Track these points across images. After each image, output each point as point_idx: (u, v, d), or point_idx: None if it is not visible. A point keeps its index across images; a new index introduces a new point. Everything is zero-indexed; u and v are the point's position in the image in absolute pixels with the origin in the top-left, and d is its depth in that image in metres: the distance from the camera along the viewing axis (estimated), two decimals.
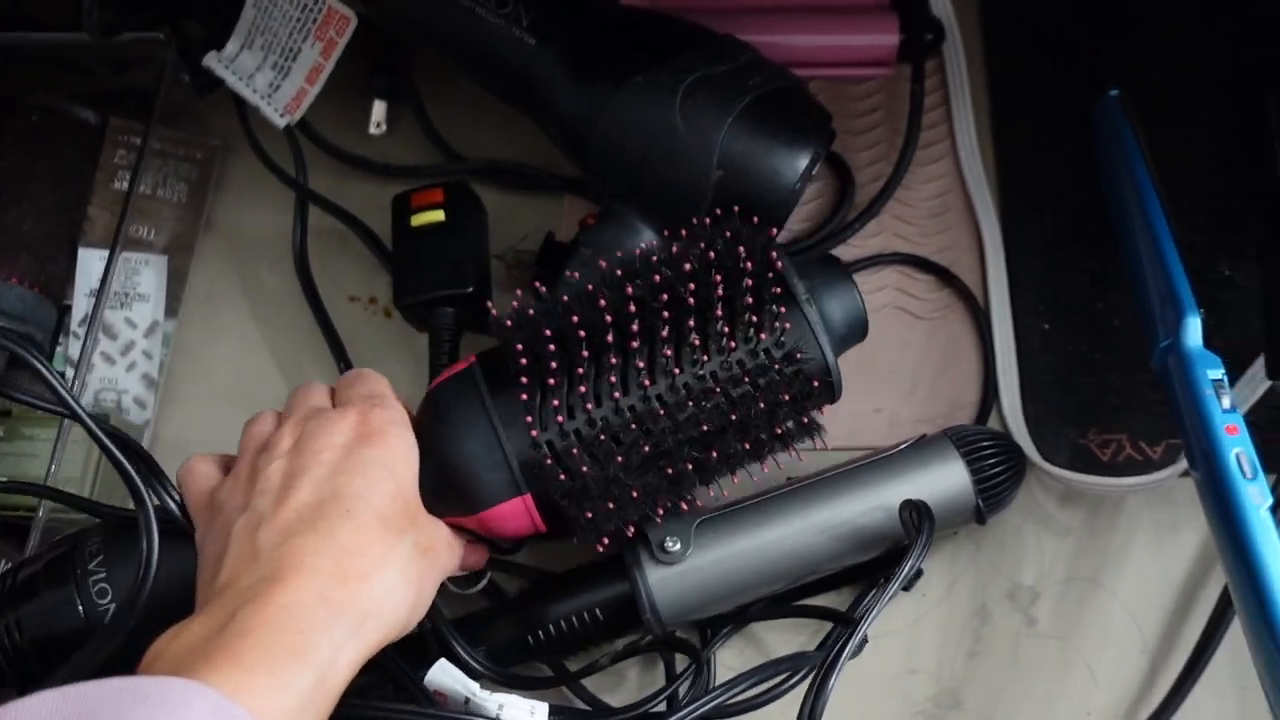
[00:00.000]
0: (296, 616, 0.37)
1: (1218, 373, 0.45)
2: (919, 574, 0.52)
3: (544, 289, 0.47)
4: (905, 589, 0.52)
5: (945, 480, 0.49)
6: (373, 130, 0.63)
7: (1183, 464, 0.51)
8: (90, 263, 0.61)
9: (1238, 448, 0.42)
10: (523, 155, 0.63)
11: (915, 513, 0.46)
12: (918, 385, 0.57)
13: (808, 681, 0.43)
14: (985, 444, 0.50)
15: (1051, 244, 0.58)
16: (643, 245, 0.51)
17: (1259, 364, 0.51)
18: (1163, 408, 0.54)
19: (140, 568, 0.42)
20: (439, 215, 0.55)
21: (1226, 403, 0.44)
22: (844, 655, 0.41)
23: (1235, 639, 0.49)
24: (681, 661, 0.51)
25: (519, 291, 0.48)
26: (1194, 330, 0.46)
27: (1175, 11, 0.61)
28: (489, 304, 0.47)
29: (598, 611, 0.49)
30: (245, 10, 0.59)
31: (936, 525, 0.50)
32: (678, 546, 0.49)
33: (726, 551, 0.49)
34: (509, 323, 0.46)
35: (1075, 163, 0.59)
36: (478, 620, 0.50)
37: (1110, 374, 0.55)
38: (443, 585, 0.52)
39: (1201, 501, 0.45)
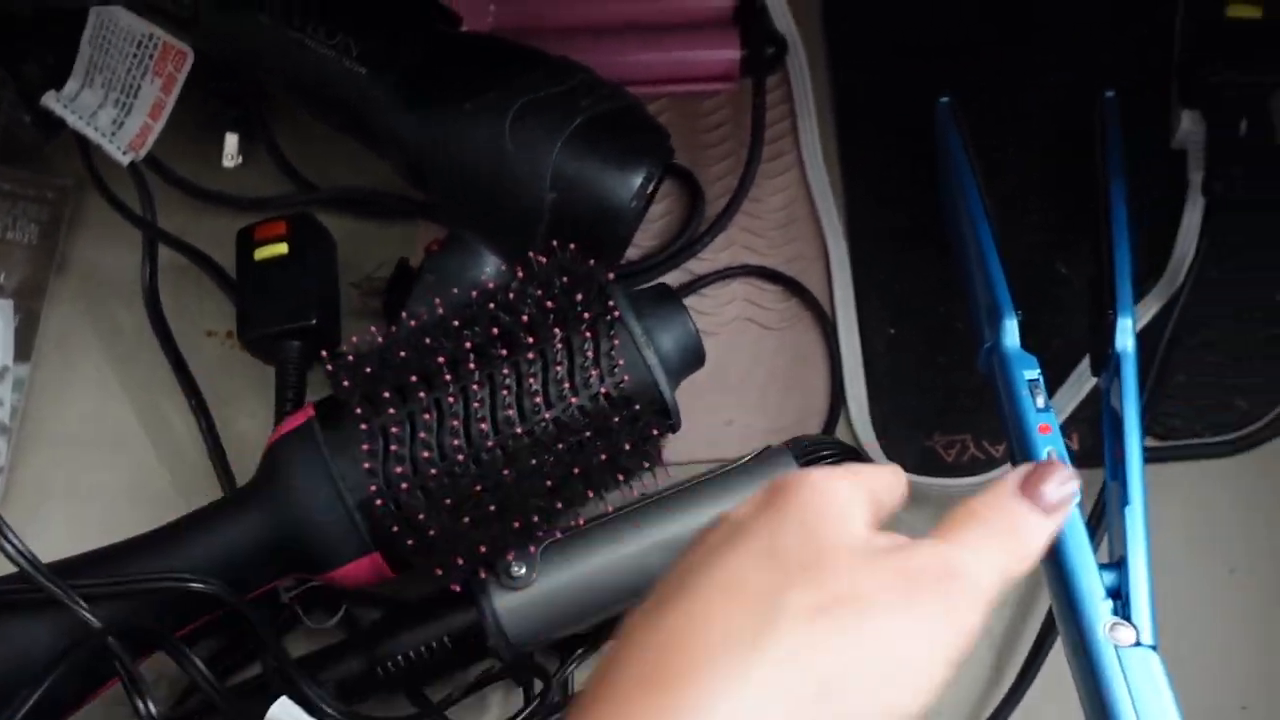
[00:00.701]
0: None
1: (1034, 373, 0.46)
2: None
3: (380, 336, 0.47)
4: None
5: None
6: (226, 163, 0.63)
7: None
8: None
9: (1050, 445, 0.43)
10: (378, 182, 0.62)
11: None
12: (768, 395, 0.57)
13: None
14: (825, 454, 0.51)
15: (896, 250, 0.59)
16: (485, 277, 0.51)
17: (1085, 362, 0.52)
18: None
19: None
20: (282, 248, 0.55)
21: (1041, 402, 0.45)
22: None
23: None
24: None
25: (353, 339, 0.48)
26: (1011, 331, 0.47)
27: (1015, 21, 0.63)
28: (324, 353, 0.47)
29: (446, 640, 0.49)
30: (82, 48, 0.58)
31: None
32: (524, 571, 0.49)
33: (574, 573, 0.50)
34: (345, 380, 0.46)
35: (919, 170, 0.60)
36: (328, 654, 0.50)
37: (954, 375, 0.57)
38: (296, 619, 0.53)
39: None
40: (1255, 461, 0.54)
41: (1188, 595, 0.53)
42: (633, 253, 0.59)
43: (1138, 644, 0.39)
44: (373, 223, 0.63)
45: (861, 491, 0.32)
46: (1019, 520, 0.32)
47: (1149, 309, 0.54)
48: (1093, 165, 0.56)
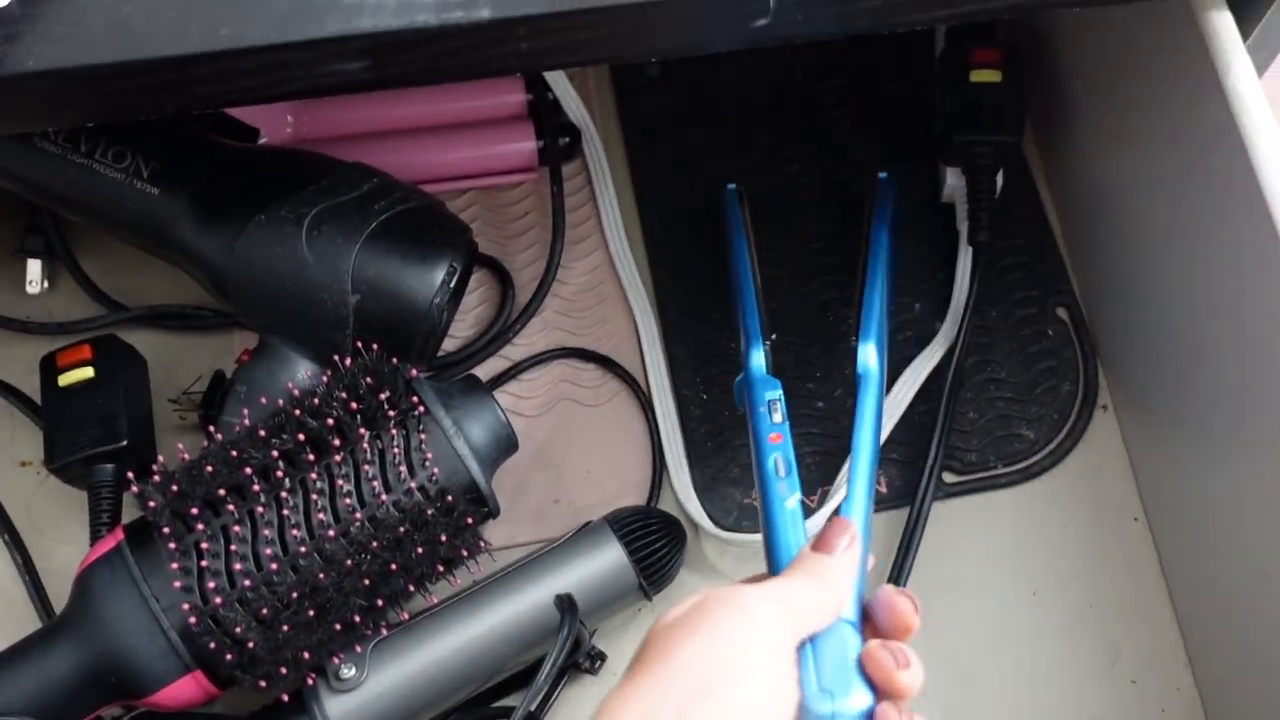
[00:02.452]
0: None
1: (775, 393, 0.50)
2: (602, 657, 0.54)
3: (187, 454, 0.47)
4: (591, 672, 0.54)
5: (605, 565, 0.52)
6: (31, 290, 0.62)
7: (829, 505, 0.55)
8: None
9: (777, 453, 0.47)
10: (190, 296, 0.63)
11: (560, 606, 0.48)
12: (592, 471, 0.59)
13: None
14: (641, 523, 0.53)
15: (702, 319, 0.61)
16: (296, 384, 0.52)
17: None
18: (811, 459, 0.58)
19: None
20: (87, 372, 0.55)
21: (777, 418, 0.49)
22: None
23: None
24: None
25: (160, 459, 0.48)
26: (759, 357, 0.52)
27: (801, 99, 0.66)
28: (130, 475, 0.47)
29: None
30: None
31: (605, 609, 0.52)
32: (353, 672, 0.49)
33: (406, 669, 0.50)
34: (152, 501, 0.46)
35: (715, 241, 0.63)
36: None
37: None
38: None
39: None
40: (1045, 486, 0.58)
41: (995, 618, 0.56)
42: (451, 344, 0.61)
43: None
44: (188, 337, 0.62)
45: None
46: (818, 565, 0.41)
47: (935, 353, 0.58)
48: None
